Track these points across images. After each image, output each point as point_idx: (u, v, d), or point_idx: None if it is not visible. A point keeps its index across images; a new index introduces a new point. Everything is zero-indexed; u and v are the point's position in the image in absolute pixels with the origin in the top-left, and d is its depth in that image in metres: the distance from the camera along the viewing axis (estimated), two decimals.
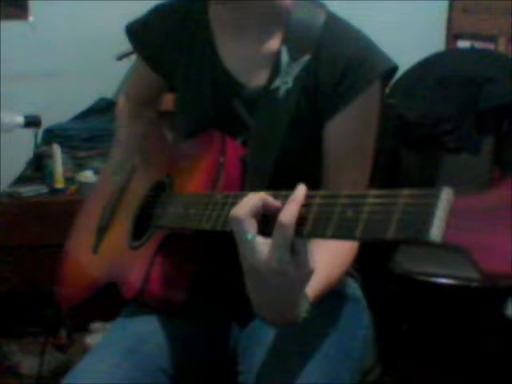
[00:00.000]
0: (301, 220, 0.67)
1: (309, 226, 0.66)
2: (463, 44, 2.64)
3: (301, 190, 0.68)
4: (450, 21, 2.65)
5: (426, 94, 2.32)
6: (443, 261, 1.73)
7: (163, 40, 1.10)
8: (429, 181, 2.25)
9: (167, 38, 1.09)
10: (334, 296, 1.05)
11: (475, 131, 2.27)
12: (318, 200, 0.66)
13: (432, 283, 1.83)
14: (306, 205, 0.67)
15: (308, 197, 0.68)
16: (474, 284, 1.74)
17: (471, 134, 2.26)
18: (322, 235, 0.64)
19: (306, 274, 0.71)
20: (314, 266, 0.71)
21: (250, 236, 0.69)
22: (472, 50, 2.59)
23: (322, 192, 0.67)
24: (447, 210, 0.52)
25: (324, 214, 0.64)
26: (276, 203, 0.69)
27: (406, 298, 1.97)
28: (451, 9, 2.64)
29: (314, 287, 0.81)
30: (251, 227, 0.69)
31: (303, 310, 0.77)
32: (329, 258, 0.91)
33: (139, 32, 1.15)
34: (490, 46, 2.59)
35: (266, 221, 0.70)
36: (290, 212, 0.67)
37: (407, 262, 1.88)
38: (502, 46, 2.59)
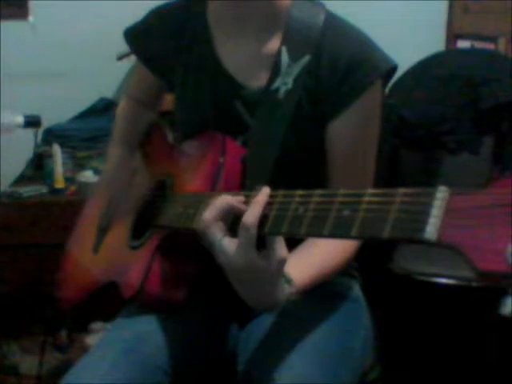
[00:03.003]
0: (299, 219, 0.67)
1: (304, 225, 0.67)
2: (463, 44, 2.63)
3: (263, 193, 0.74)
4: (450, 21, 2.65)
5: (426, 94, 2.32)
6: (443, 261, 1.73)
7: (162, 42, 1.10)
8: (429, 181, 2.24)
9: (166, 40, 1.09)
10: (334, 296, 1.06)
11: (475, 131, 2.26)
12: (315, 199, 0.67)
13: (432, 283, 1.83)
14: (303, 203, 0.68)
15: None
16: (474, 284, 1.74)
17: (471, 134, 2.26)
18: (319, 234, 0.65)
19: (278, 263, 0.76)
20: (286, 255, 0.76)
21: (218, 237, 0.76)
22: (472, 50, 2.58)
23: (318, 191, 0.68)
24: (443, 208, 0.53)
25: (321, 213, 0.65)
26: (242, 207, 0.75)
27: (406, 297, 1.97)
28: (451, 9, 2.64)
29: (302, 275, 0.86)
30: (218, 229, 0.76)
31: (283, 294, 0.81)
32: (326, 248, 0.94)
33: (138, 36, 1.15)
34: (490, 46, 2.59)
35: (238, 222, 0.75)
36: (252, 214, 0.72)
37: (407, 262, 1.87)
38: (502, 46, 2.59)
